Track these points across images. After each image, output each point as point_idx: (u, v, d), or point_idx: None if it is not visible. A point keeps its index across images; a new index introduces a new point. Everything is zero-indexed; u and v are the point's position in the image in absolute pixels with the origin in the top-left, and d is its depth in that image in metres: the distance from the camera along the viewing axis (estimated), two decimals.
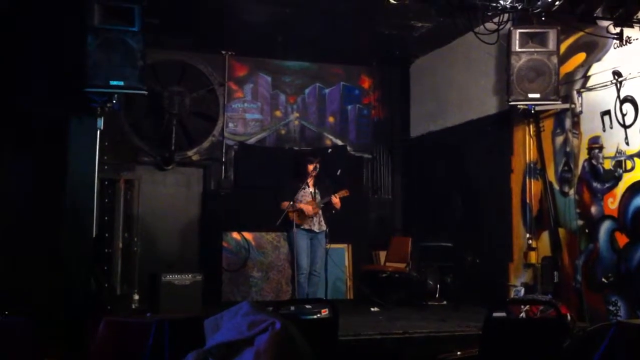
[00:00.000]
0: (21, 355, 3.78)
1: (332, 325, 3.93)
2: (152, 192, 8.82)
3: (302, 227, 7.28)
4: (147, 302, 7.30)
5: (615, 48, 6.48)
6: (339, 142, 9.97)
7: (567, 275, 6.94)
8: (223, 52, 9.30)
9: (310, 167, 7.37)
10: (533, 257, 7.43)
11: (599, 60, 6.70)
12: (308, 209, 7.26)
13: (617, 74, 6.44)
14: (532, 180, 7.58)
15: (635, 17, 6.13)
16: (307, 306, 5.97)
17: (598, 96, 6.68)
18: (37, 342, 3.90)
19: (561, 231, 7.10)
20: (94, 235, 6.51)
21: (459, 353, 4.43)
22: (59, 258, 6.04)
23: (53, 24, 6.14)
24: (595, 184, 6.68)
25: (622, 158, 6.36)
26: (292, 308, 5.30)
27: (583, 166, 6.84)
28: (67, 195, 6.25)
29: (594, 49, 6.75)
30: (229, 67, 9.45)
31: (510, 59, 6.85)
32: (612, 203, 6.45)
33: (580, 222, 6.85)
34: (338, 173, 8.12)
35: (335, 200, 7.31)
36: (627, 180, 6.30)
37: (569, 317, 5.82)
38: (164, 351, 3.66)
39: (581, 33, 6.77)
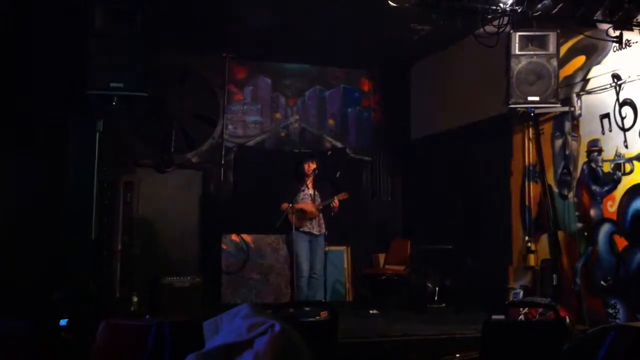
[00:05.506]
0: (21, 359, 3.78)
1: (331, 328, 3.92)
2: (152, 195, 8.81)
3: (301, 229, 7.27)
4: (147, 304, 7.30)
5: (614, 51, 6.49)
6: (339, 145, 9.97)
7: (567, 278, 6.93)
8: (223, 54, 9.29)
9: (307, 167, 7.36)
10: (532, 259, 7.43)
11: (598, 63, 6.71)
12: (309, 207, 7.26)
13: (616, 77, 6.45)
14: (531, 183, 7.58)
15: (634, 21, 6.14)
16: (307, 308, 5.97)
17: (597, 99, 6.69)
18: (38, 345, 3.90)
19: (560, 234, 7.10)
20: (93, 238, 6.51)
21: (458, 355, 4.43)
22: (58, 260, 6.05)
23: (55, 26, 6.16)
24: (594, 187, 6.68)
25: (621, 161, 6.36)
26: (292, 310, 5.29)
27: (582, 169, 6.84)
28: (66, 197, 6.27)
29: (593, 52, 6.76)
30: (229, 70, 9.43)
31: (509, 62, 6.82)
32: (611, 206, 6.46)
33: (579, 225, 6.86)
34: (337, 175, 8.11)
35: (335, 203, 7.30)
36: (626, 183, 6.31)
37: (567, 320, 5.79)
38: (164, 354, 3.65)
39: (581, 36, 6.78)
